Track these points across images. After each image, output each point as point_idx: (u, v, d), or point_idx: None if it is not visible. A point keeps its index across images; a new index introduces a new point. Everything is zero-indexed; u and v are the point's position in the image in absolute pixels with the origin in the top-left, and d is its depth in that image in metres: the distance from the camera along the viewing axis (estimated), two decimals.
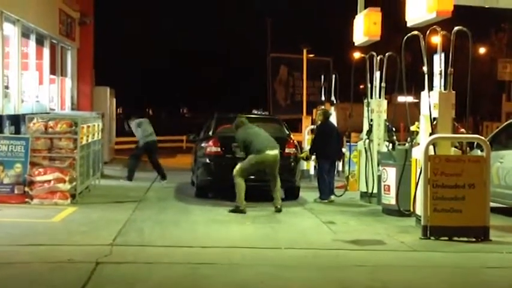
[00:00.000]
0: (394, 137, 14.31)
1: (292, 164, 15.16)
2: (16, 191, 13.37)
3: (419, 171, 11.13)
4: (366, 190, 15.24)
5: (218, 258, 9.20)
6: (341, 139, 15.65)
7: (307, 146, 18.91)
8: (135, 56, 63.03)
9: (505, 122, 16.40)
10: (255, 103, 62.52)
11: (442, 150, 11.19)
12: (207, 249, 9.82)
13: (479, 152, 12.59)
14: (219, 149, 15.08)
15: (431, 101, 11.35)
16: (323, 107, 19.47)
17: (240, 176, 13.44)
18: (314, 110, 26.43)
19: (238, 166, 13.51)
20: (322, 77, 21.66)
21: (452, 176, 10.71)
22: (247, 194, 13.48)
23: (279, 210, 13.44)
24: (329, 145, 15.14)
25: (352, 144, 16.87)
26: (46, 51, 20.15)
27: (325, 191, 15.09)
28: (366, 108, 15.51)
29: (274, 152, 13.62)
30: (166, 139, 39.71)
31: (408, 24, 12.20)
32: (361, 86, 22.25)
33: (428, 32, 11.61)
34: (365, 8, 15.70)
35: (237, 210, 13.19)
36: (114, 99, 26.61)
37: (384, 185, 13.38)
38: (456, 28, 11.24)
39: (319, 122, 15.73)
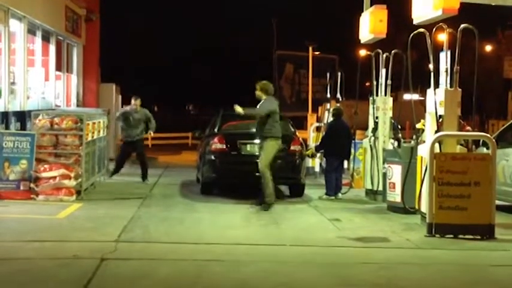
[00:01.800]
0: (400, 135, 14.30)
1: (298, 161, 15.16)
2: (22, 187, 13.41)
3: (425, 168, 11.11)
4: (371, 187, 15.23)
5: (223, 255, 9.21)
6: (351, 138, 15.63)
7: (312, 144, 18.90)
8: (140, 52, 63.08)
9: (511, 120, 16.37)
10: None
11: (448, 148, 11.18)
12: (212, 246, 9.82)
13: (485, 150, 12.58)
14: (224, 146, 15.08)
15: (437, 98, 11.34)
16: (329, 104, 19.46)
17: (267, 168, 13.21)
18: (319, 108, 26.39)
19: (263, 161, 13.27)
20: (328, 74, 21.62)
21: (458, 173, 10.68)
22: (252, 191, 13.50)
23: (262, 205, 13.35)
24: (338, 143, 15.12)
25: (357, 141, 16.85)
26: (52, 48, 20.19)
27: (331, 188, 15.09)
28: (371, 106, 15.50)
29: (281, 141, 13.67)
30: (172, 136, 39.76)
31: (414, 22, 12.17)
32: (367, 84, 22.19)
33: (434, 29, 11.59)
34: (371, 5, 15.68)
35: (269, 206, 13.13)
36: (120, 96, 26.62)
37: (389, 183, 13.36)
38: (462, 26, 11.21)
39: (331, 119, 15.74)
